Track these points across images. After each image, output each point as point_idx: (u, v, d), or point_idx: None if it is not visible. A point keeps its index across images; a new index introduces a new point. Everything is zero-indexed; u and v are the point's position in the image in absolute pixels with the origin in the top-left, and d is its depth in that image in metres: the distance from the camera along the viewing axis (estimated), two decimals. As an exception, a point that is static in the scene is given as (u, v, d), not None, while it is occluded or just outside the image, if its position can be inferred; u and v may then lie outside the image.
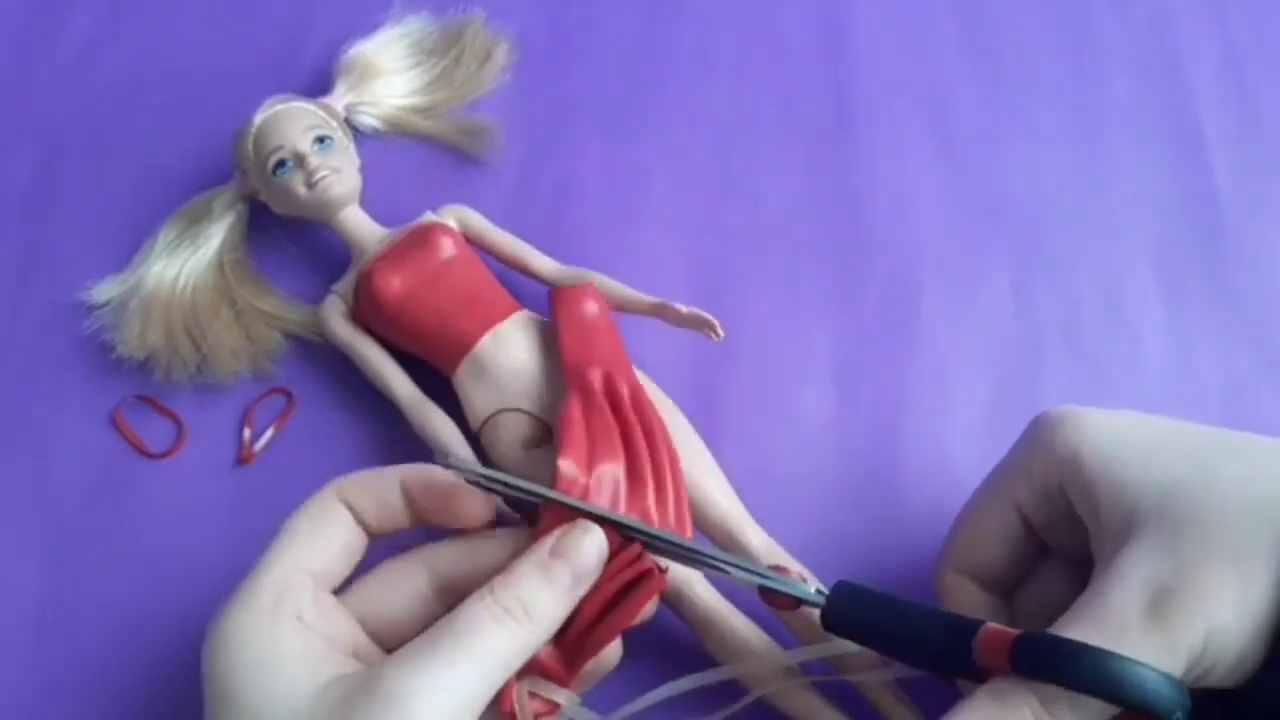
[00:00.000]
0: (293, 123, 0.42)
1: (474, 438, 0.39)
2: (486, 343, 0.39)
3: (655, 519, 0.35)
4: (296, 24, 0.51)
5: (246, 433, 0.42)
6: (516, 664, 0.29)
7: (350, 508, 0.32)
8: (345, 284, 0.42)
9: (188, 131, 0.48)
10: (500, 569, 0.30)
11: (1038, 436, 0.32)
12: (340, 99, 0.46)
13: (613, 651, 0.33)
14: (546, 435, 0.38)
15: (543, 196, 0.47)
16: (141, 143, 0.48)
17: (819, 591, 0.32)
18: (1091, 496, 0.30)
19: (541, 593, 0.29)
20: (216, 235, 0.44)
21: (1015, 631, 0.29)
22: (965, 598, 0.34)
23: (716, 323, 0.40)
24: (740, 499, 0.38)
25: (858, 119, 0.49)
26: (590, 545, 0.30)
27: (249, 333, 0.43)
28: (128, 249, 0.45)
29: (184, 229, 0.44)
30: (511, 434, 0.38)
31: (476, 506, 0.32)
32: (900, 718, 0.35)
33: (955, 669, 0.31)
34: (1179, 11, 0.51)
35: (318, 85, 0.47)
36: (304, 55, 0.49)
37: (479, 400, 0.39)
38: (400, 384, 0.40)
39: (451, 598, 0.31)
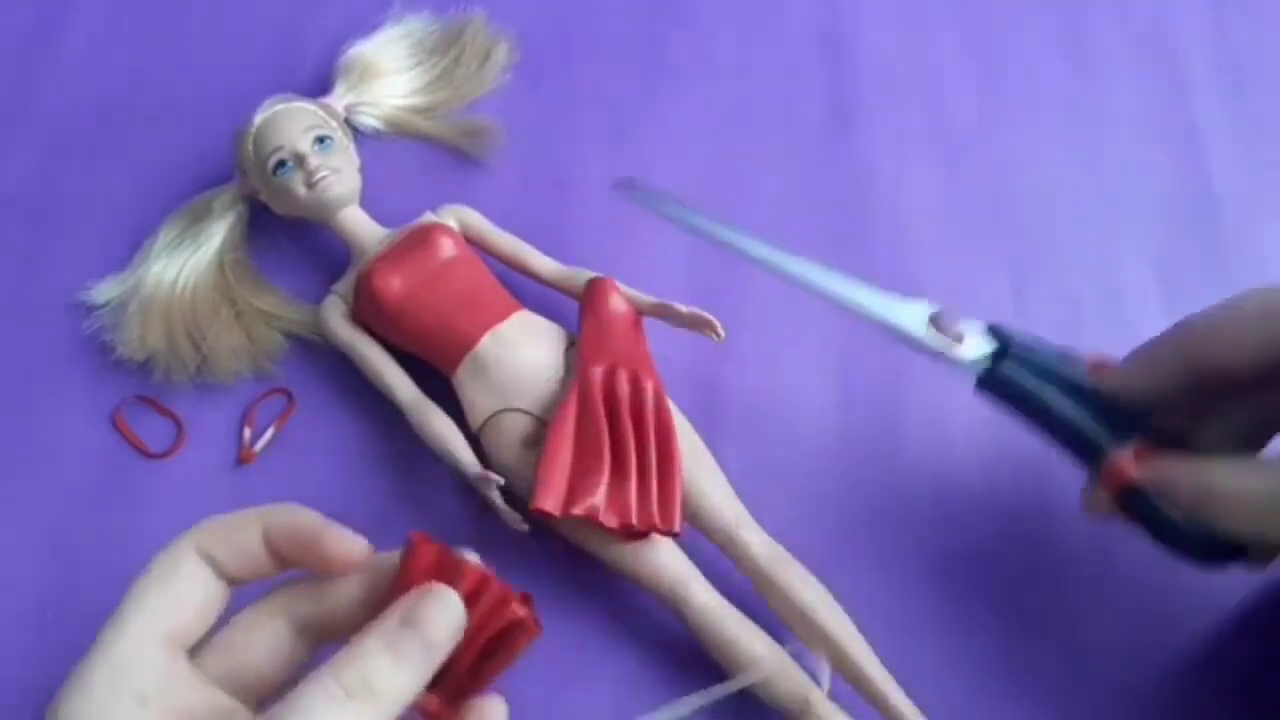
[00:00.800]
0: (293, 123, 0.42)
1: (474, 438, 0.39)
2: (487, 343, 0.39)
3: (634, 513, 0.36)
4: (296, 24, 0.51)
5: (246, 433, 0.42)
6: None
7: (207, 558, 0.29)
8: (345, 284, 0.42)
9: (188, 131, 0.48)
10: (358, 606, 0.28)
11: None
12: (340, 99, 0.46)
13: (496, 710, 0.30)
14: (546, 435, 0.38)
15: (543, 196, 0.47)
16: (141, 143, 0.48)
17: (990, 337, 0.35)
18: None
19: (388, 669, 0.26)
20: (217, 235, 0.44)
21: (1133, 476, 0.31)
22: (1162, 379, 0.34)
23: (717, 323, 0.40)
24: (740, 499, 0.38)
25: (858, 119, 0.49)
26: (444, 618, 0.27)
27: (249, 333, 0.43)
28: (128, 249, 0.45)
29: (184, 229, 0.44)
30: (511, 434, 0.38)
31: (346, 547, 0.29)
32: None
33: (1088, 466, 0.33)
34: (1179, 11, 0.51)
35: (318, 85, 0.47)
36: (304, 55, 0.49)
37: (479, 400, 0.39)
38: (400, 384, 0.40)
39: (314, 637, 0.29)
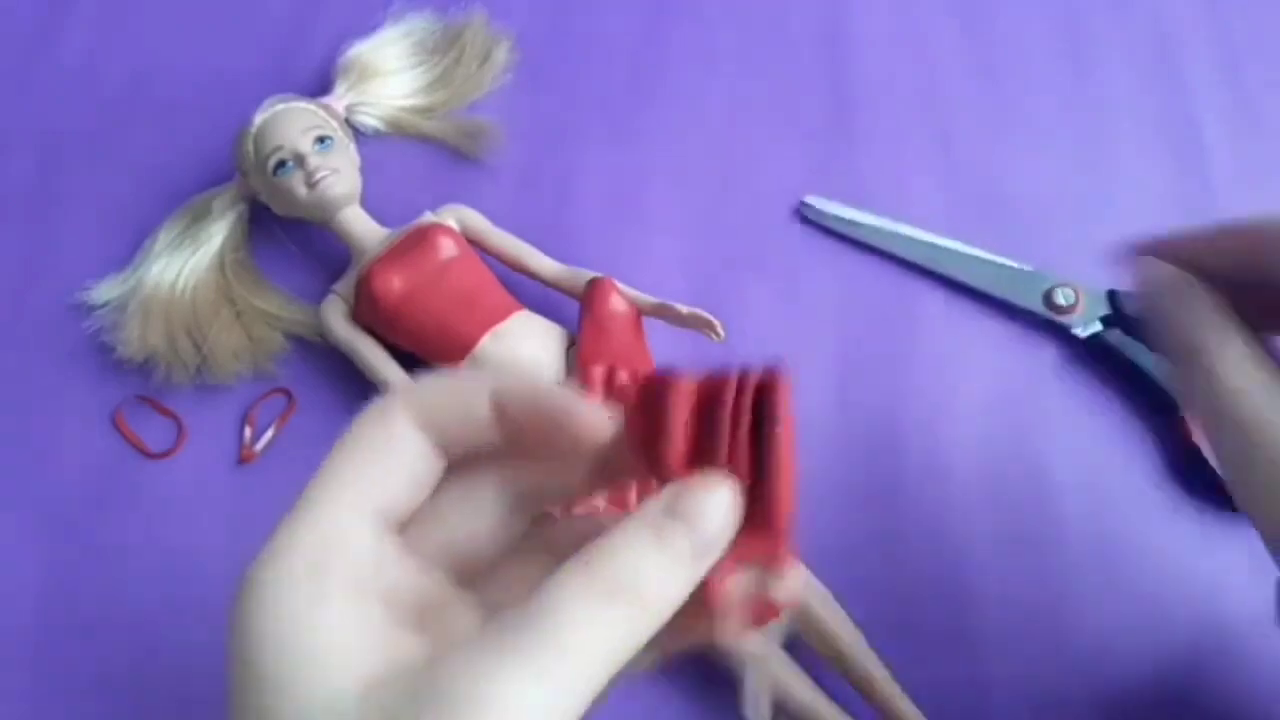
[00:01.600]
0: (293, 123, 0.42)
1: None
2: (487, 343, 0.39)
3: (635, 505, 0.33)
4: (297, 24, 0.51)
5: (247, 433, 0.42)
6: (623, 660, 0.21)
7: (424, 423, 0.24)
8: (345, 284, 0.42)
9: (188, 131, 0.48)
10: (588, 474, 0.24)
11: None
12: (340, 99, 0.46)
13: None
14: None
15: (543, 196, 0.47)
16: (141, 143, 0.48)
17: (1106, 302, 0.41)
18: None
19: (654, 567, 0.22)
20: (217, 235, 0.44)
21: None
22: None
23: (717, 323, 0.40)
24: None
25: (858, 119, 0.49)
26: (718, 506, 0.22)
27: (249, 333, 0.43)
28: (128, 249, 0.45)
29: (184, 229, 0.44)
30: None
31: (599, 425, 0.24)
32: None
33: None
34: (1178, 11, 0.51)
35: (318, 85, 0.47)
36: (304, 55, 0.49)
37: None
38: (400, 384, 0.40)
39: (531, 509, 0.25)
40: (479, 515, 0.25)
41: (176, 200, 0.45)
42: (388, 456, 0.24)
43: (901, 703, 0.35)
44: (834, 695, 0.36)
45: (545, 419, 0.24)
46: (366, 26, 0.48)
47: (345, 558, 0.22)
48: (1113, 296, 0.42)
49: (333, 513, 0.23)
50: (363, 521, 0.23)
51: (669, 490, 0.23)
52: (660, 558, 0.22)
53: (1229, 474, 0.28)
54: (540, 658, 0.20)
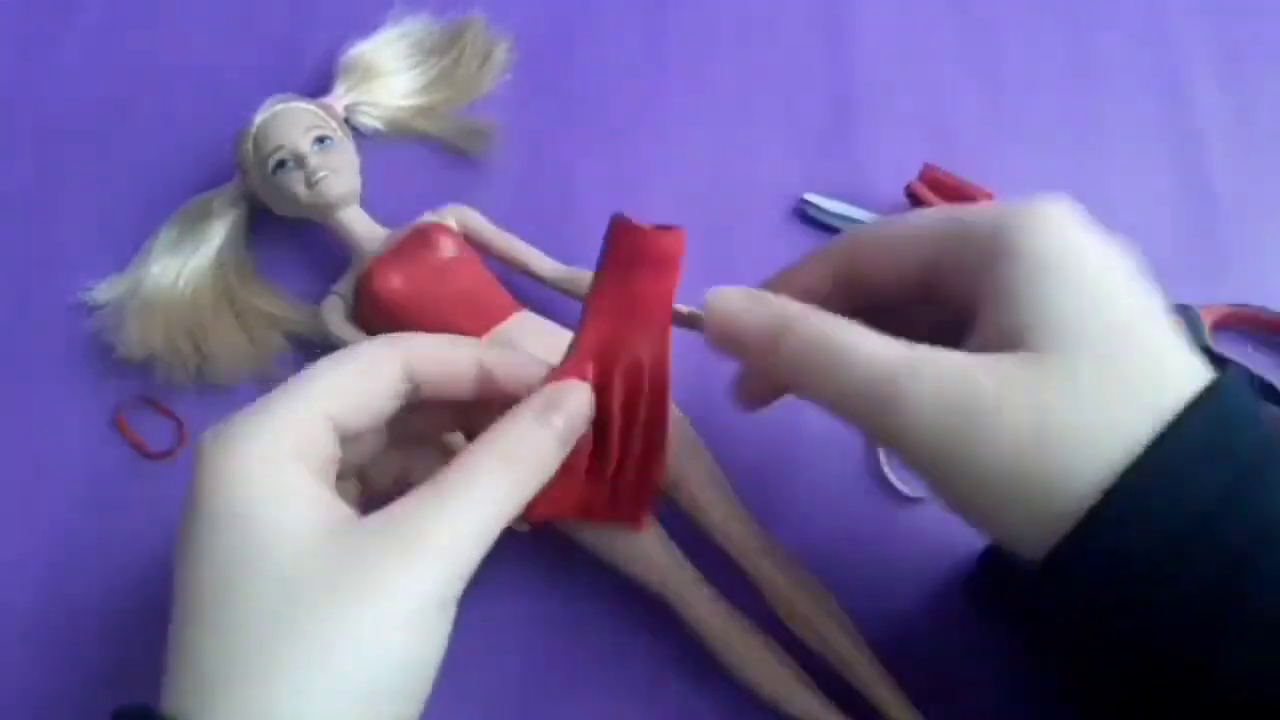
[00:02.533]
0: (293, 123, 0.42)
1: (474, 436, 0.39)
2: (487, 343, 0.39)
3: (597, 508, 0.35)
4: (297, 24, 0.51)
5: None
6: (517, 506, 0.29)
7: (408, 369, 0.31)
8: (345, 284, 0.42)
9: (188, 131, 0.48)
10: (474, 378, 0.31)
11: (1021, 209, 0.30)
12: (340, 99, 0.46)
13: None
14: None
15: (543, 197, 0.47)
16: (141, 143, 0.48)
17: None
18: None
19: (541, 439, 0.30)
20: (217, 236, 0.44)
21: None
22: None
23: None
24: (739, 498, 0.38)
25: (858, 119, 0.49)
26: (578, 402, 0.31)
27: (249, 333, 0.43)
28: (128, 249, 0.45)
29: (184, 229, 0.44)
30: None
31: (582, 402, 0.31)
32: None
33: None
34: (1178, 11, 0.51)
35: (318, 85, 0.47)
36: (304, 55, 0.49)
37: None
38: (400, 384, 0.40)
39: (418, 397, 0.31)
40: (379, 388, 0.30)
41: (176, 200, 0.45)
42: (365, 384, 0.30)
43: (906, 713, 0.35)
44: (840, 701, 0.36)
45: (525, 384, 0.31)
46: (366, 27, 0.48)
47: (315, 448, 0.28)
48: None
49: (312, 414, 0.29)
50: (328, 424, 0.29)
51: (547, 389, 0.31)
52: (542, 431, 0.30)
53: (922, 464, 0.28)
54: (467, 496, 0.28)
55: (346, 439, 0.30)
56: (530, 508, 0.31)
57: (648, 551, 0.37)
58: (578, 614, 0.39)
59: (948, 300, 0.30)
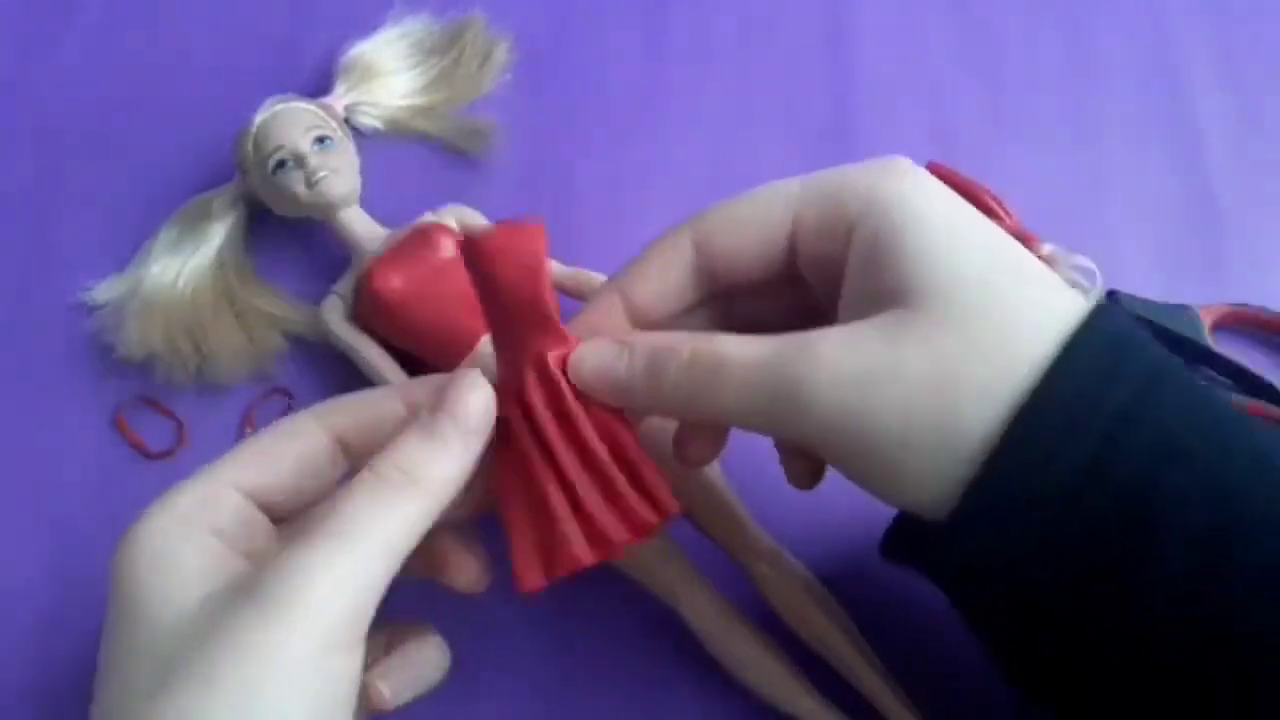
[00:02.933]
0: (293, 123, 0.42)
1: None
2: (486, 342, 0.39)
3: (615, 529, 0.30)
4: (297, 24, 0.51)
5: (247, 433, 0.42)
6: (414, 539, 0.26)
7: (332, 431, 0.29)
8: (345, 284, 0.42)
9: (188, 131, 0.48)
10: (400, 420, 0.29)
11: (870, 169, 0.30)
12: (340, 99, 0.46)
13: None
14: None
15: (543, 197, 0.47)
16: (141, 143, 0.48)
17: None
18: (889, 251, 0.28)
19: (426, 456, 0.27)
20: (217, 235, 0.44)
21: None
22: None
23: None
24: (740, 497, 0.38)
25: (858, 119, 0.49)
26: (475, 398, 0.27)
27: (249, 333, 0.43)
28: (128, 249, 0.45)
29: (184, 229, 0.44)
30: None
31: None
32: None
33: None
34: (1178, 12, 0.51)
35: (318, 85, 0.47)
36: (304, 55, 0.49)
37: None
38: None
39: (352, 455, 0.29)
40: (305, 452, 0.29)
41: (176, 200, 0.45)
42: (279, 449, 0.29)
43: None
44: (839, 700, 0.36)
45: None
46: (366, 27, 0.48)
47: (213, 514, 0.27)
48: (1112, 297, 0.42)
49: (214, 483, 0.28)
50: (236, 493, 0.28)
51: (434, 390, 0.28)
52: (429, 444, 0.27)
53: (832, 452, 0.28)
54: (334, 547, 0.25)
55: (281, 504, 0.29)
56: (536, 577, 0.29)
57: (647, 551, 0.37)
58: (577, 615, 0.39)
59: (812, 271, 0.30)
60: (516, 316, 0.29)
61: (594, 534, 0.29)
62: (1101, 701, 0.28)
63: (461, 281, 0.40)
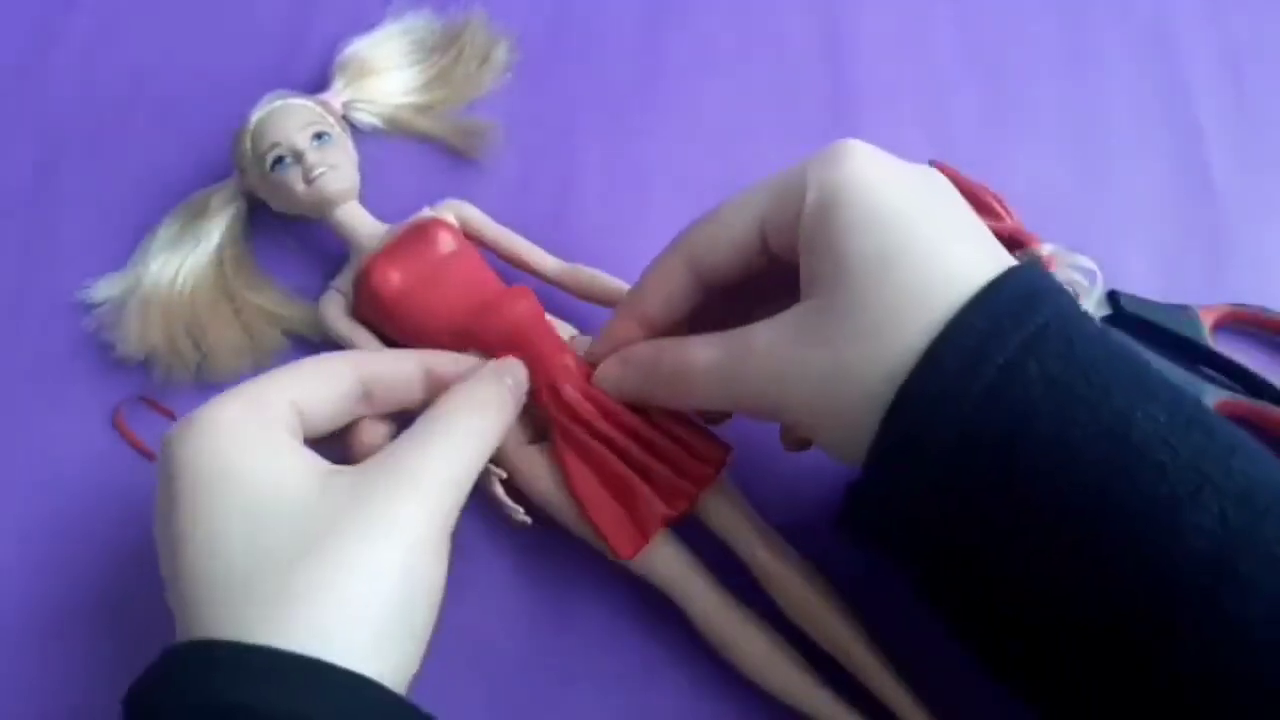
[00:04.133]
0: (290, 119, 0.42)
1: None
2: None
3: (688, 483, 0.36)
4: (296, 22, 0.51)
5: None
6: (490, 447, 0.33)
7: (358, 381, 0.33)
8: (344, 280, 0.42)
9: (188, 131, 0.48)
10: (417, 382, 0.35)
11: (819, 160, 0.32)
12: (339, 96, 0.46)
13: None
14: (547, 430, 0.38)
15: (542, 196, 0.47)
16: (141, 142, 0.48)
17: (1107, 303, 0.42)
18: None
19: (495, 393, 0.34)
20: (215, 232, 0.44)
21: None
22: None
23: None
24: (742, 497, 0.38)
25: (858, 119, 0.49)
26: (522, 372, 0.36)
27: (248, 330, 0.43)
28: (128, 249, 0.45)
29: (183, 226, 0.44)
30: (513, 429, 0.38)
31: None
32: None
33: None
34: (1179, 11, 0.51)
35: (316, 82, 0.47)
36: (303, 53, 0.49)
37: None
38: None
39: (369, 404, 0.34)
40: (337, 392, 0.33)
41: (175, 197, 0.45)
42: (325, 380, 0.33)
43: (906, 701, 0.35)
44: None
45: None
46: (365, 25, 0.48)
47: (280, 416, 0.31)
48: (1113, 297, 0.42)
49: (270, 389, 0.31)
50: (293, 407, 0.32)
51: (494, 363, 0.36)
52: (498, 385, 0.35)
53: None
54: (446, 440, 0.31)
55: (309, 430, 0.32)
56: (633, 542, 0.36)
57: (659, 547, 0.37)
58: (578, 606, 0.39)
59: (787, 259, 0.32)
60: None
61: (668, 491, 0.36)
62: (1050, 688, 0.29)
63: (460, 277, 0.41)
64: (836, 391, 0.29)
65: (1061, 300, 0.29)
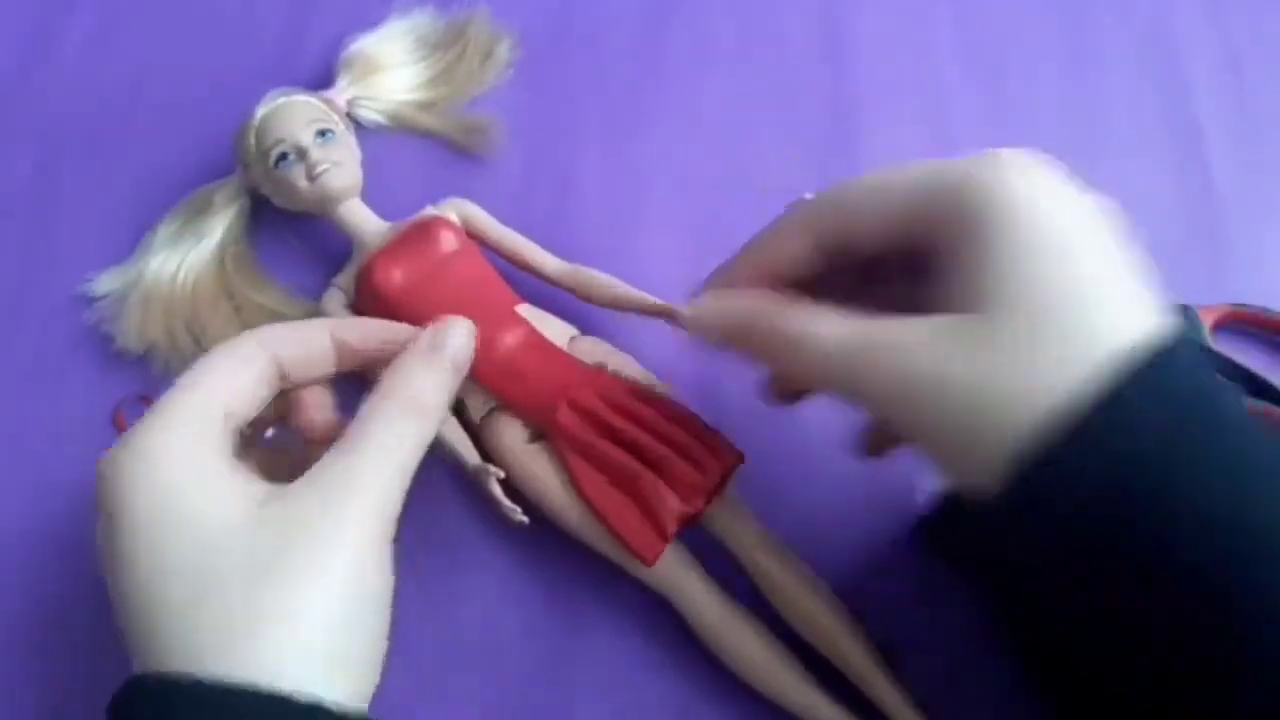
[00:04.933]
0: (294, 116, 0.42)
1: (474, 431, 0.39)
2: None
3: (703, 482, 0.36)
4: (299, 20, 0.51)
5: (246, 430, 0.42)
6: (424, 445, 0.31)
7: (271, 355, 0.32)
8: (346, 277, 0.42)
9: (188, 129, 0.48)
10: (330, 352, 0.33)
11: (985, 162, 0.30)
12: (342, 93, 0.46)
13: None
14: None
15: (543, 194, 0.47)
16: (141, 141, 0.48)
17: None
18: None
19: (427, 381, 0.32)
20: (217, 228, 0.44)
21: None
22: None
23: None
24: (744, 503, 0.38)
25: (858, 119, 0.49)
26: (461, 336, 0.33)
27: (249, 327, 0.43)
28: (128, 248, 0.45)
29: (185, 222, 0.44)
30: (512, 428, 0.38)
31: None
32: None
33: None
34: (1179, 11, 0.51)
35: (320, 80, 0.47)
36: (306, 50, 0.49)
37: (479, 394, 0.39)
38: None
39: (284, 383, 0.33)
40: (250, 380, 0.32)
41: (177, 193, 0.45)
42: (239, 372, 0.32)
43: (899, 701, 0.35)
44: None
45: (381, 342, 0.33)
46: (368, 22, 0.49)
47: (214, 432, 0.30)
48: None
49: (206, 403, 0.30)
50: (222, 412, 0.31)
51: (429, 331, 0.33)
52: (429, 373, 0.32)
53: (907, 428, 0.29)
54: (375, 451, 0.30)
55: (234, 426, 0.32)
56: (654, 544, 0.36)
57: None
58: (576, 606, 0.39)
59: (927, 252, 0.30)
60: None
61: (684, 488, 0.36)
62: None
63: (462, 276, 0.41)
64: (974, 414, 0.27)
65: (1213, 380, 0.28)
